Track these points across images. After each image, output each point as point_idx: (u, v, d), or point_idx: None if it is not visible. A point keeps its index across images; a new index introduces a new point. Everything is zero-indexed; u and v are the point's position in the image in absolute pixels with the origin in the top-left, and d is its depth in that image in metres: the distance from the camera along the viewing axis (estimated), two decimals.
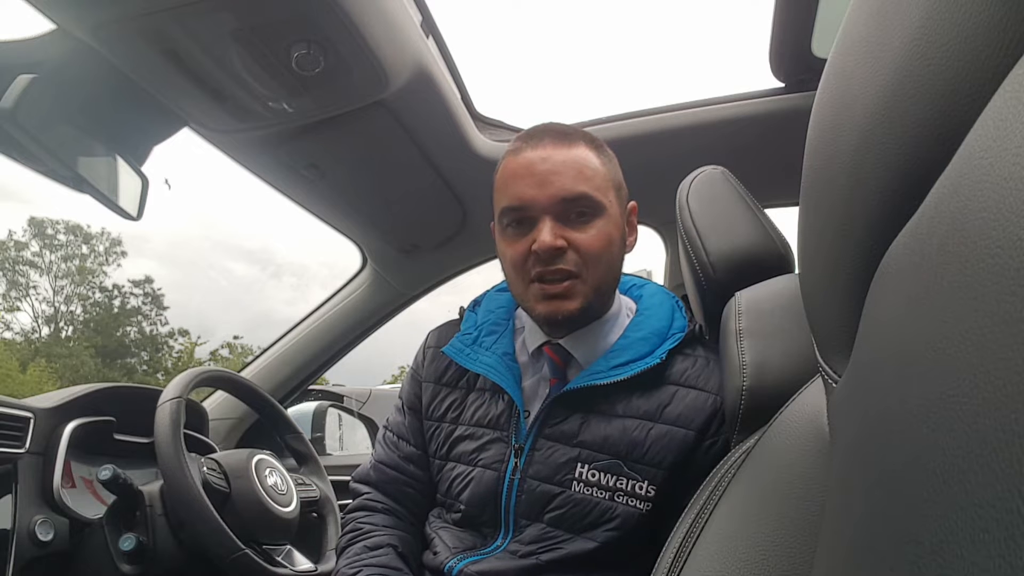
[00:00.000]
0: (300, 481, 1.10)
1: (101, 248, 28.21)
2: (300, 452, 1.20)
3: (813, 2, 0.88)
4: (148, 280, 28.95)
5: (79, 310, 27.75)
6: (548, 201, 0.69)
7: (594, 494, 0.69)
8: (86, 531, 0.93)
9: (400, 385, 0.91)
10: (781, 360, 0.55)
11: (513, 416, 0.74)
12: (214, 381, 1.14)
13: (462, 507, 0.75)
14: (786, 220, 0.64)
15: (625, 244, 0.76)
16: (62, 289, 27.23)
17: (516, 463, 0.72)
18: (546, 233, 0.68)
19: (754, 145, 1.09)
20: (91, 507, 0.99)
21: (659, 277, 1.40)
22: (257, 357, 1.56)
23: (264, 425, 1.26)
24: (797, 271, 0.49)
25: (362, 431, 1.89)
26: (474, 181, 1.16)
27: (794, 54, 0.97)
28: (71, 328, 27.42)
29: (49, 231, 26.89)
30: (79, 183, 0.82)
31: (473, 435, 0.76)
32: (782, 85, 1.05)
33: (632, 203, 0.78)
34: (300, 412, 1.72)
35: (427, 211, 1.27)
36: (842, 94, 0.26)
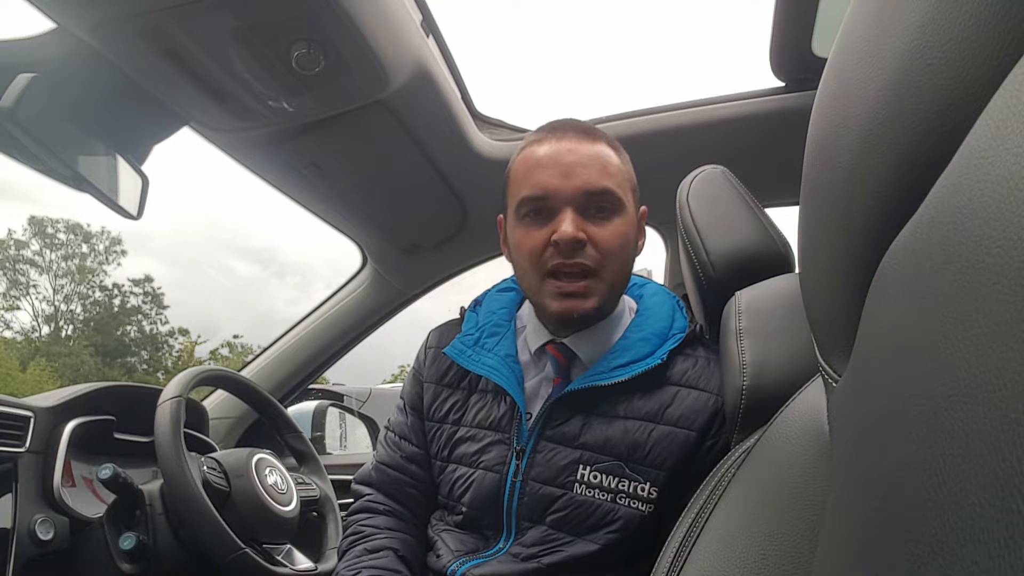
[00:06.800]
0: (300, 480, 1.10)
1: (101, 247, 28.25)
2: (300, 451, 1.20)
3: (813, 2, 0.88)
4: (148, 279, 29.01)
5: (79, 309, 27.77)
6: (572, 192, 0.68)
7: (596, 496, 0.69)
8: (86, 530, 0.93)
9: (400, 384, 0.91)
10: (781, 360, 0.55)
11: (515, 418, 0.74)
12: (214, 380, 1.14)
13: (464, 509, 0.74)
14: (786, 220, 0.64)
15: (637, 246, 0.76)
16: (62, 288, 27.26)
17: (518, 465, 0.72)
18: (568, 224, 0.67)
19: (754, 145, 1.09)
20: (91, 506, 0.99)
21: (659, 276, 1.40)
22: (257, 356, 1.56)
23: (264, 424, 1.26)
24: (797, 271, 0.49)
25: (362, 430, 1.89)
26: (474, 180, 1.16)
27: (794, 53, 0.97)
28: (71, 327, 27.44)
29: (49, 230, 26.91)
30: (79, 182, 0.82)
31: (474, 437, 0.76)
32: (782, 84, 1.05)
33: (643, 207, 0.77)
34: (300, 411, 1.72)
35: (427, 210, 1.27)
36: (842, 94, 0.26)
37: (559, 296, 0.70)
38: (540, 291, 0.71)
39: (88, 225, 27.70)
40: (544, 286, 0.71)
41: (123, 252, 28.79)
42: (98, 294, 28.21)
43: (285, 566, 0.96)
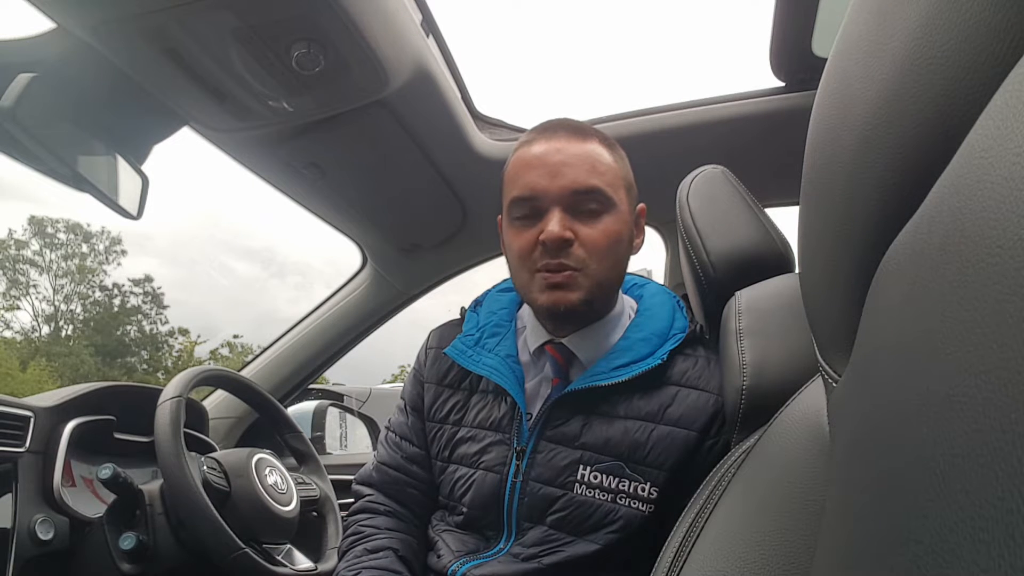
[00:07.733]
0: (300, 480, 1.10)
1: (101, 247, 28.27)
2: (300, 451, 1.20)
3: (813, 1, 0.88)
4: (148, 279, 29.03)
5: (79, 309, 27.78)
6: (559, 192, 0.68)
7: (596, 496, 0.69)
8: (86, 530, 0.93)
9: (400, 384, 0.91)
10: (781, 360, 0.55)
11: (515, 418, 0.74)
12: (214, 380, 1.14)
13: (464, 510, 0.74)
14: (786, 220, 0.64)
15: (632, 245, 0.75)
16: (62, 288, 27.27)
17: (518, 466, 0.72)
18: (554, 223, 0.67)
19: (754, 144, 1.09)
20: (91, 506, 0.99)
21: (659, 276, 1.40)
22: (257, 356, 1.56)
23: (264, 424, 1.26)
24: (797, 271, 0.49)
25: (362, 430, 1.89)
26: (474, 180, 1.16)
27: (794, 53, 0.97)
28: (71, 327, 27.45)
29: (49, 230, 26.92)
30: (79, 182, 0.82)
31: (475, 437, 0.76)
32: (782, 84, 1.05)
33: (641, 205, 0.77)
34: (300, 411, 1.72)
35: (427, 210, 1.27)
36: (842, 94, 0.26)
37: (546, 288, 0.70)
38: (530, 287, 0.72)
39: (88, 225, 27.78)
40: (533, 281, 0.71)
41: (123, 252, 28.85)
42: (98, 294, 28.25)
43: (285, 566, 0.96)
